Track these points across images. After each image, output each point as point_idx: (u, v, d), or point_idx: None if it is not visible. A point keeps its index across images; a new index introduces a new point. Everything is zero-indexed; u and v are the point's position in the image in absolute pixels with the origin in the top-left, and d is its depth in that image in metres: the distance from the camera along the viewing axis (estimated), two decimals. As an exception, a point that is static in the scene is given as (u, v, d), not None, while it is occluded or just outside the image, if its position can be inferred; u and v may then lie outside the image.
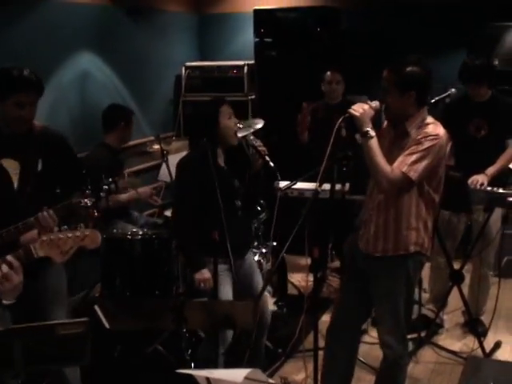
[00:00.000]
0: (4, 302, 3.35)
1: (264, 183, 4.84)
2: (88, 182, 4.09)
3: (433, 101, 6.28)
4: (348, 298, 4.53)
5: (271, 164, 4.58)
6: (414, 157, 4.03)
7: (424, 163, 4.03)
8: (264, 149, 4.65)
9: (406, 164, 4.03)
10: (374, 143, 4.05)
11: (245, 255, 4.94)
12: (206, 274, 4.69)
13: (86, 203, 3.97)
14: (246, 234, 5.05)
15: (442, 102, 6.24)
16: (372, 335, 5.69)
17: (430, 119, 4.20)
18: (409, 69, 4.13)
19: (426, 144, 4.04)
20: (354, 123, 4.03)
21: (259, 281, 4.98)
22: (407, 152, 4.05)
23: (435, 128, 4.13)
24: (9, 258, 3.30)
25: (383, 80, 4.16)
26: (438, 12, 8.15)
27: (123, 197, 6.08)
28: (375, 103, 4.12)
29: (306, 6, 8.67)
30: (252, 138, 4.72)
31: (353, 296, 4.50)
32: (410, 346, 5.77)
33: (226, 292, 4.70)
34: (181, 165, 4.84)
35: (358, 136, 4.11)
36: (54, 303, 4.31)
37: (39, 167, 4.16)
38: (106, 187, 4.03)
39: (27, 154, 4.14)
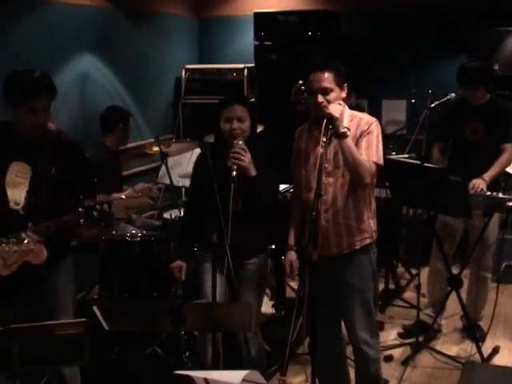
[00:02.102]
0: None
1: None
2: (95, 188, 4.12)
3: (433, 105, 6.31)
4: (318, 312, 4.45)
5: (233, 173, 4.37)
6: (374, 146, 4.22)
7: (381, 148, 4.25)
8: (235, 155, 4.44)
9: (373, 154, 4.19)
10: (351, 141, 4.12)
11: (244, 260, 4.82)
12: (178, 262, 4.77)
13: (79, 222, 3.97)
14: (245, 239, 4.87)
15: (442, 105, 6.26)
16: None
17: (350, 110, 4.36)
18: (336, 62, 4.27)
19: (375, 131, 4.25)
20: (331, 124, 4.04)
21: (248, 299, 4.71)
22: (364, 145, 4.21)
23: (368, 116, 4.37)
24: None
25: (320, 82, 4.19)
26: (438, 16, 8.16)
27: (119, 196, 6.09)
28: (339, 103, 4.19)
29: (306, 10, 8.68)
30: (240, 143, 4.62)
31: (322, 309, 4.37)
32: (408, 350, 5.80)
33: (207, 288, 4.63)
34: (194, 163, 4.92)
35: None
36: (62, 304, 4.31)
37: (53, 172, 4.13)
38: (99, 207, 4.03)
39: (39, 158, 4.12)
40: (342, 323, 4.65)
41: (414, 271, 7.30)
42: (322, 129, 3.99)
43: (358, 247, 4.37)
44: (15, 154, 4.09)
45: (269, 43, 8.46)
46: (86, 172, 4.43)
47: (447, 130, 6.09)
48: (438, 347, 5.91)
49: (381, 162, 4.23)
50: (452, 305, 6.20)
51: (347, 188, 4.27)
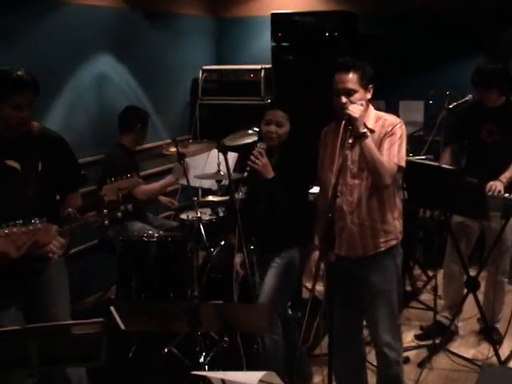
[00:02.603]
0: None
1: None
2: (83, 181, 4.15)
3: (451, 106, 6.29)
4: (340, 312, 4.44)
5: (244, 174, 4.71)
6: (396, 147, 4.19)
7: (403, 150, 4.23)
8: (252, 157, 4.67)
9: (395, 155, 4.17)
10: (371, 142, 4.11)
11: (269, 257, 4.94)
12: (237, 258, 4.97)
13: (102, 223, 4.01)
14: (268, 240, 5.00)
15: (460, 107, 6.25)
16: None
17: (375, 111, 4.36)
18: (362, 63, 4.25)
19: (398, 133, 4.23)
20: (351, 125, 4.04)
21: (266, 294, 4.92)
22: (387, 145, 4.19)
23: (393, 117, 4.34)
24: None
25: (344, 83, 4.18)
26: (457, 17, 8.12)
27: (155, 185, 6.30)
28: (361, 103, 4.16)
29: (323, 11, 8.66)
30: (259, 145, 4.78)
31: (345, 309, 4.46)
32: (425, 352, 5.78)
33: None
34: None
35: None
36: (57, 297, 4.33)
37: (39, 168, 4.17)
38: (123, 208, 4.06)
39: (27, 155, 4.15)
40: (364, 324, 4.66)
41: (430, 273, 7.28)
42: (341, 129, 3.99)
43: (382, 249, 4.35)
44: (3, 154, 4.11)
45: (286, 44, 8.44)
46: (72, 166, 4.47)
47: (462, 131, 6.08)
48: (454, 349, 5.88)
49: (402, 163, 4.22)
50: (469, 307, 6.16)
51: (372, 189, 4.25)
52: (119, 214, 4.05)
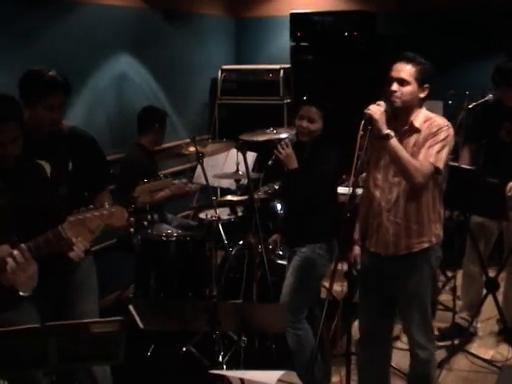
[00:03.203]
0: (21, 293, 3.37)
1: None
2: (111, 180, 4.15)
3: (470, 106, 6.27)
4: (370, 310, 4.50)
5: (268, 162, 4.99)
6: (436, 147, 4.14)
7: (445, 152, 4.16)
8: (278, 147, 4.83)
9: (432, 155, 4.12)
10: (396, 142, 4.09)
11: (294, 248, 5.00)
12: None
13: (129, 232, 4.03)
14: (291, 232, 5.08)
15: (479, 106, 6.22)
16: (404, 341, 5.64)
17: (427, 112, 4.31)
18: (425, 62, 4.23)
19: (443, 135, 4.16)
20: (371, 125, 4.03)
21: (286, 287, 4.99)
22: (428, 145, 4.15)
23: (442, 119, 4.28)
24: (23, 245, 3.34)
25: (400, 71, 4.18)
26: (476, 16, 8.09)
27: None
28: (383, 103, 4.14)
29: (342, 10, 8.66)
30: (285, 137, 4.99)
31: (375, 307, 4.48)
32: (443, 353, 5.75)
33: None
34: None
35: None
36: (87, 296, 4.36)
37: (70, 167, 4.19)
38: (150, 217, 4.09)
39: (57, 155, 4.17)
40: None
41: (449, 273, 7.25)
42: (360, 129, 3.98)
43: (415, 250, 4.31)
44: (34, 154, 4.13)
45: (305, 44, 8.43)
46: (102, 165, 4.49)
47: (481, 131, 6.05)
48: (473, 350, 5.85)
49: (438, 164, 4.13)
50: (488, 308, 6.13)
51: (411, 189, 4.22)
52: (145, 223, 4.08)
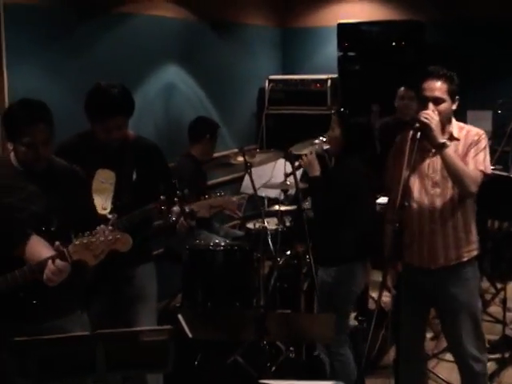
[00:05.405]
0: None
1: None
2: (175, 189, 4.18)
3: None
4: (410, 325, 4.41)
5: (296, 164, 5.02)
6: (481, 155, 4.15)
7: (488, 159, 4.19)
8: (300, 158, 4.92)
9: (480, 163, 4.13)
10: (451, 151, 4.07)
11: (323, 266, 4.92)
12: None
13: (161, 209, 4.05)
14: (323, 248, 5.00)
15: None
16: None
17: (456, 122, 4.30)
18: (452, 73, 4.19)
19: (484, 142, 4.19)
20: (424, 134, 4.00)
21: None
22: (473, 153, 4.15)
23: (473, 127, 4.30)
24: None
25: (433, 90, 4.12)
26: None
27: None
28: (436, 111, 4.11)
29: (390, 20, 8.64)
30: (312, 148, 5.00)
31: (415, 322, 4.43)
32: (493, 366, 5.68)
33: None
34: None
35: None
36: (142, 304, 4.39)
37: (134, 177, 4.23)
38: (180, 193, 4.11)
39: (122, 164, 4.22)
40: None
41: (499, 285, 7.16)
42: (409, 139, 3.96)
43: (465, 259, 4.28)
44: (99, 162, 4.19)
45: (352, 54, 8.44)
46: (166, 174, 4.51)
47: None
48: (524, 363, 5.78)
49: (488, 170, 4.16)
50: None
51: (456, 198, 4.19)
52: (176, 200, 4.11)
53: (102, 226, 3.50)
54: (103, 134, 4.14)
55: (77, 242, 3.36)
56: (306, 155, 4.83)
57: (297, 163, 4.97)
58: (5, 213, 3.54)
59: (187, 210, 4.18)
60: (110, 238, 3.39)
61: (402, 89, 6.96)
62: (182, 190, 4.28)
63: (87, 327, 3.74)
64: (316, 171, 4.81)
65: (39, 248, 3.47)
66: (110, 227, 3.50)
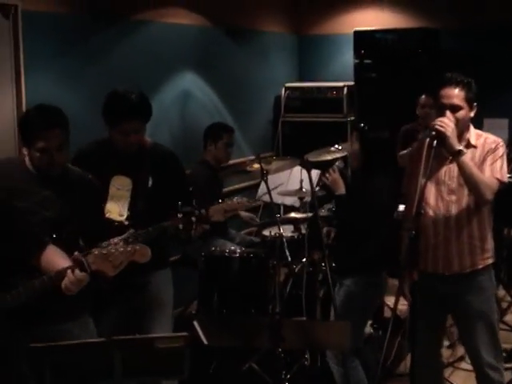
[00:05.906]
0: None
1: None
2: (192, 200, 4.19)
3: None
4: (427, 330, 4.33)
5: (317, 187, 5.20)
6: (498, 163, 4.14)
7: (505, 167, 4.17)
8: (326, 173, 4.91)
9: (497, 171, 4.12)
10: (468, 158, 4.06)
11: (342, 279, 4.92)
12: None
13: (178, 227, 4.06)
14: (340, 260, 5.02)
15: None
16: (468, 361, 5.55)
17: (474, 129, 4.28)
18: (469, 80, 4.18)
19: (501, 150, 4.19)
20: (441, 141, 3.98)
21: None
22: (490, 161, 4.14)
23: (491, 135, 4.28)
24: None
25: (451, 98, 4.11)
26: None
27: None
28: (452, 117, 4.08)
29: (405, 28, 8.63)
30: (336, 164, 4.97)
31: (431, 330, 4.39)
32: (509, 375, 5.65)
33: None
34: None
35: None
36: (158, 310, 4.40)
37: (150, 183, 4.25)
38: (198, 213, 4.11)
39: (139, 171, 4.23)
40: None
41: (515, 294, 7.14)
42: (425, 146, 3.95)
43: (480, 267, 4.26)
44: (116, 169, 4.21)
45: (368, 61, 8.44)
46: (182, 181, 4.52)
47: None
48: (541, 372, 5.74)
49: (504, 179, 4.13)
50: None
51: (472, 206, 4.18)
52: (193, 219, 4.11)
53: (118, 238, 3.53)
54: (120, 139, 4.16)
55: (96, 253, 3.36)
56: (329, 173, 4.83)
57: (318, 177, 5.01)
58: (20, 216, 3.56)
59: (202, 212, 4.19)
60: (129, 249, 3.40)
61: (423, 97, 6.95)
62: (198, 198, 4.29)
63: (93, 332, 3.77)
64: (341, 189, 4.81)
65: (56, 258, 3.48)
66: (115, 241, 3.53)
